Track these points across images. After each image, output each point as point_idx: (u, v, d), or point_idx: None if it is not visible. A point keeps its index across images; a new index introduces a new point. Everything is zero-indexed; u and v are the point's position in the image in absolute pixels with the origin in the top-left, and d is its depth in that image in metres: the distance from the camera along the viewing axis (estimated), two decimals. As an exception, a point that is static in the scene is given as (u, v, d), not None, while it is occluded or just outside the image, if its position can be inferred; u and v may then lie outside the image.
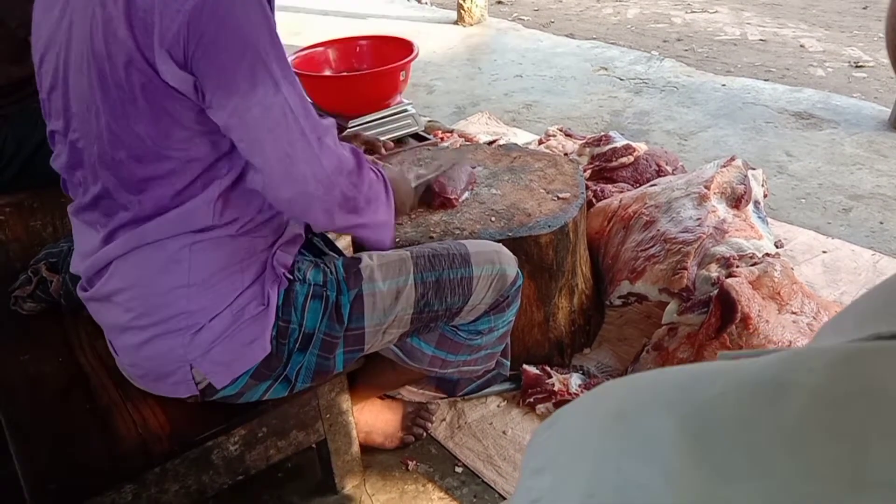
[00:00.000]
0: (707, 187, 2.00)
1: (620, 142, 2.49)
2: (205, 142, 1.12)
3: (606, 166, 2.45)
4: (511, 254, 1.44)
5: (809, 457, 0.25)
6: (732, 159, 2.14)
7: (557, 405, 1.72)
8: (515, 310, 1.47)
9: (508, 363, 1.63)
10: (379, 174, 1.28)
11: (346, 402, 1.45)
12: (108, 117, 1.10)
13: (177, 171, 1.13)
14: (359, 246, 1.69)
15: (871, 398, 0.25)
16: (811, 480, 0.24)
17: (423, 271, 1.33)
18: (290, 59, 2.30)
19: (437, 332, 1.41)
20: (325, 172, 1.11)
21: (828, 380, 0.26)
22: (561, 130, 2.80)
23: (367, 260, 1.33)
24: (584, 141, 2.61)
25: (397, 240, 1.65)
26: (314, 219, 1.17)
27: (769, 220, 2.18)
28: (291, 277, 1.26)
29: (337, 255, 1.44)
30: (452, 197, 1.74)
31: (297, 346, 1.26)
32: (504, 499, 1.55)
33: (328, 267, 1.31)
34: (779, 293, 1.68)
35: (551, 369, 1.80)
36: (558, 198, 1.82)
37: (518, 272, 1.43)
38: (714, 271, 1.75)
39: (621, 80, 3.95)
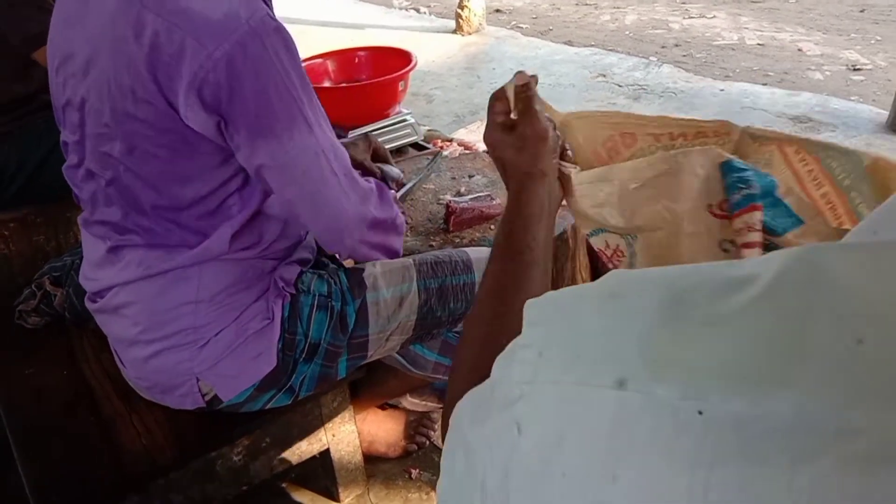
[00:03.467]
0: (705, 192, 2.01)
1: (619, 148, 2.50)
2: (216, 180, 1.13)
3: (605, 173, 2.46)
4: None
5: (758, 328, 0.29)
6: (730, 164, 2.15)
7: (559, 411, 1.73)
8: None
9: None
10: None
11: (348, 411, 1.46)
12: (124, 150, 1.10)
13: (186, 206, 1.13)
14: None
15: (816, 283, 0.29)
16: (758, 344, 0.29)
17: (426, 278, 1.35)
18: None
19: (440, 338, 1.42)
20: (355, 206, 1.15)
21: (782, 270, 0.31)
22: (560, 138, 2.81)
23: (371, 268, 1.34)
24: (582, 148, 2.62)
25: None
26: (348, 248, 1.21)
27: (768, 223, 2.19)
28: (295, 291, 1.27)
29: (339, 267, 1.45)
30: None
31: (302, 356, 1.27)
32: None
33: (332, 278, 1.31)
34: (778, 297, 1.69)
35: (553, 376, 1.81)
36: (557, 205, 1.83)
37: None
38: (713, 276, 1.76)
39: (620, 86, 3.97)
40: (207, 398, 1.23)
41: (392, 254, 1.32)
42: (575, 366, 0.34)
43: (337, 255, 1.41)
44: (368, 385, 1.55)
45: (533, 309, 0.40)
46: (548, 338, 0.37)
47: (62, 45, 1.16)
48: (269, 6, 1.09)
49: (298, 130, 1.07)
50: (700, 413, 0.28)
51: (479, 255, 1.42)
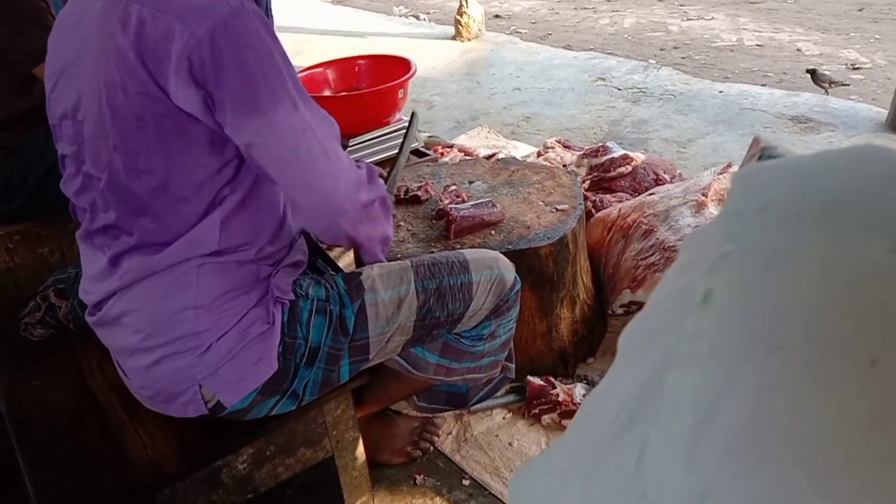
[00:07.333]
0: (704, 195, 2.02)
1: (618, 152, 2.51)
2: (210, 168, 1.15)
3: (605, 176, 2.47)
4: (508, 260, 1.47)
5: None
6: (729, 166, 2.16)
7: (562, 416, 1.73)
8: (516, 315, 1.49)
9: (514, 366, 1.64)
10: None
11: (352, 418, 1.47)
12: (119, 146, 1.12)
13: (183, 198, 1.15)
14: (361, 260, 1.71)
15: None
16: None
17: (423, 279, 1.36)
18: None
19: (441, 340, 1.43)
20: (346, 185, 1.16)
21: None
22: (559, 142, 2.83)
23: (368, 271, 1.36)
24: (582, 152, 2.63)
25: (398, 255, 1.67)
26: (339, 229, 1.19)
27: (768, 225, 2.20)
28: (294, 296, 1.28)
29: (337, 273, 1.46)
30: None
31: (303, 360, 1.28)
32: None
33: (328, 283, 1.33)
34: (779, 298, 1.69)
35: (555, 380, 1.81)
36: (557, 209, 1.84)
37: (516, 277, 1.46)
38: (714, 278, 1.76)
39: (619, 89, 3.98)
40: (210, 405, 1.23)
41: (386, 239, 1.34)
42: None
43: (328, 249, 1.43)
44: (371, 390, 1.56)
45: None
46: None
47: (57, 61, 1.21)
48: None
49: (283, 106, 1.09)
50: None
51: (475, 255, 1.43)
